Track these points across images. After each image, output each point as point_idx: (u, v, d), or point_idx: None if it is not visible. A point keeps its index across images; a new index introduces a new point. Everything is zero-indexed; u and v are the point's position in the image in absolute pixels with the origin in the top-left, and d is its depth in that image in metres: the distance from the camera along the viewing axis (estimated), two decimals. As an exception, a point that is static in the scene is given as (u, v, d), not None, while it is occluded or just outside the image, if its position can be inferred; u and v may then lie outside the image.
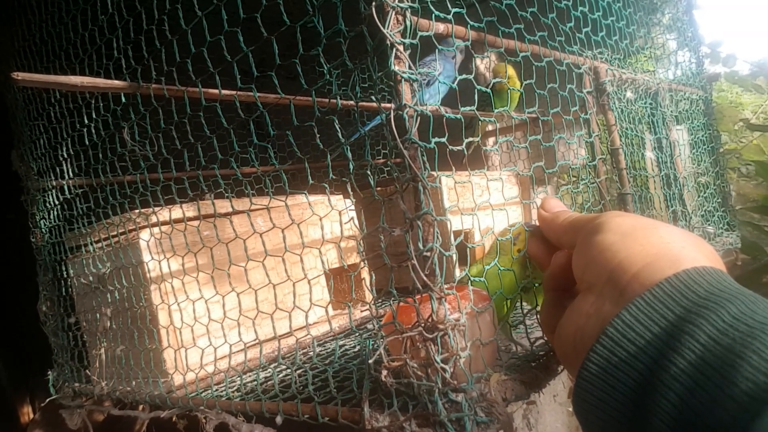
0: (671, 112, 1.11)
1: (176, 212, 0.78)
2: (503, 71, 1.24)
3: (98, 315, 0.91)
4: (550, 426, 1.69)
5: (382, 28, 0.46)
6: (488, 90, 0.57)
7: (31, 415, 1.80)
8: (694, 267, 0.34)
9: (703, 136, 1.29)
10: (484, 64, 1.83)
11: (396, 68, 0.46)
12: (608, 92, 0.83)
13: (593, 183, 0.79)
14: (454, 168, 0.57)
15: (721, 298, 0.32)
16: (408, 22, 0.47)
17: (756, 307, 0.31)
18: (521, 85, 0.64)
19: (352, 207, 0.98)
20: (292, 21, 0.56)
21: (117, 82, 0.74)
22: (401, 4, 0.47)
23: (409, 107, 0.47)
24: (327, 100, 0.59)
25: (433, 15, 0.51)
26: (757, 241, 2.48)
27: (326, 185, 0.60)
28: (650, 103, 1.06)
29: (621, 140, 0.86)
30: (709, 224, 1.22)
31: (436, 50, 0.52)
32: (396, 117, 0.47)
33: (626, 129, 0.90)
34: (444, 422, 0.44)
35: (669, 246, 0.37)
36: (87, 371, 0.96)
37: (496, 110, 0.67)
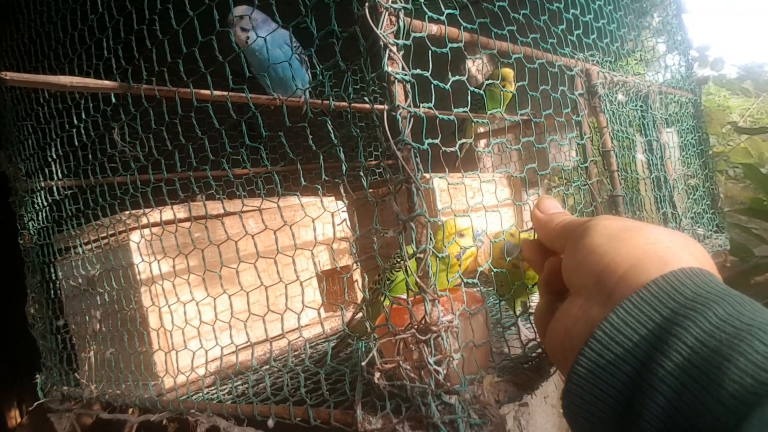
0: (661, 114, 1.12)
1: (167, 214, 0.78)
2: (509, 76, 1.24)
3: (87, 317, 0.90)
4: (540, 427, 1.70)
5: (375, 28, 0.46)
6: (482, 92, 0.57)
7: (18, 419, 1.78)
8: (681, 268, 0.34)
9: (692, 138, 1.30)
10: (475, 65, 1.83)
11: (389, 69, 0.46)
12: (600, 94, 0.84)
13: (585, 185, 0.80)
14: (447, 169, 0.57)
15: (707, 300, 0.32)
16: (401, 23, 0.47)
17: (742, 309, 0.31)
18: (514, 87, 0.64)
19: (345, 209, 0.98)
20: (284, 21, 0.56)
21: (107, 83, 0.74)
22: (395, 5, 0.47)
23: (403, 108, 0.47)
24: (319, 101, 0.58)
25: (426, 16, 0.51)
26: (745, 242, 2.51)
27: (319, 187, 0.60)
28: (641, 106, 1.06)
29: (612, 142, 0.87)
30: (698, 226, 1.23)
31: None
32: (389, 118, 0.46)
33: (617, 131, 0.91)
34: (437, 424, 0.44)
35: (655, 247, 0.37)
36: (76, 374, 0.95)
37: (489, 112, 0.68)
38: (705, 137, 1.37)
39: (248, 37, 0.92)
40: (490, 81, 0.68)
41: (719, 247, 1.30)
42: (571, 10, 0.76)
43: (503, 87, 1.20)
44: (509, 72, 1.23)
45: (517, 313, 0.70)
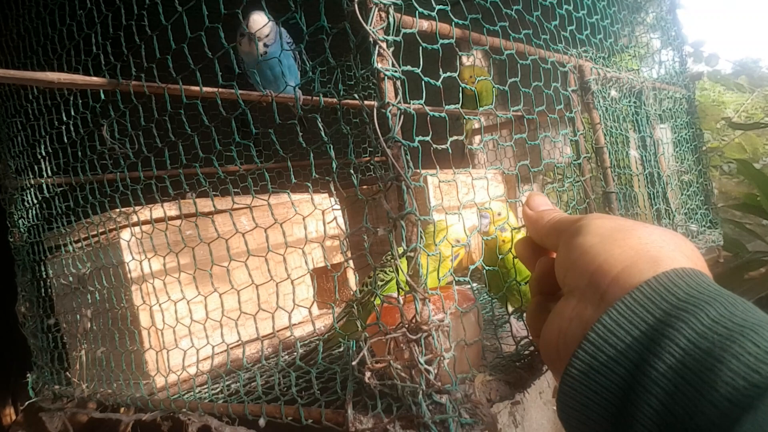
0: (655, 110, 1.12)
1: (157, 211, 0.77)
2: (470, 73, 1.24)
3: (78, 316, 0.90)
4: (536, 423, 1.70)
5: (365, 24, 0.45)
6: (473, 88, 0.57)
7: (13, 417, 1.77)
8: (673, 269, 0.34)
9: (686, 134, 1.30)
10: (469, 61, 1.83)
11: (379, 66, 0.46)
12: (593, 91, 0.84)
13: (578, 181, 0.79)
14: (438, 167, 0.57)
15: (700, 301, 0.31)
16: (391, 19, 0.47)
17: (734, 309, 0.31)
18: (480, 74, 0.64)
19: (336, 206, 0.97)
20: (274, 17, 0.55)
21: (96, 79, 0.73)
22: (384, 1, 0.46)
23: (393, 105, 0.46)
24: (310, 97, 0.58)
25: (417, 12, 0.51)
26: (738, 238, 2.52)
27: (310, 184, 0.60)
28: (634, 102, 1.06)
29: (606, 139, 0.87)
30: (692, 222, 1.23)
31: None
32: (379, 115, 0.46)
33: (611, 127, 0.91)
34: (428, 424, 0.44)
35: (647, 247, 0.36)
36: (67, 373, 0.95)
37: (481, 108, 0.67)
38: (699, 133, 1.37)
39: (266, 52, 0.88)
40: (481, 78, 0.67)
41: (713, 242, 1.30)
42: (564, 6, 0.75)
43: (473, 80, 1.19)
44: (468, 69, 1.22)
45: (510, 310, 0.70)
